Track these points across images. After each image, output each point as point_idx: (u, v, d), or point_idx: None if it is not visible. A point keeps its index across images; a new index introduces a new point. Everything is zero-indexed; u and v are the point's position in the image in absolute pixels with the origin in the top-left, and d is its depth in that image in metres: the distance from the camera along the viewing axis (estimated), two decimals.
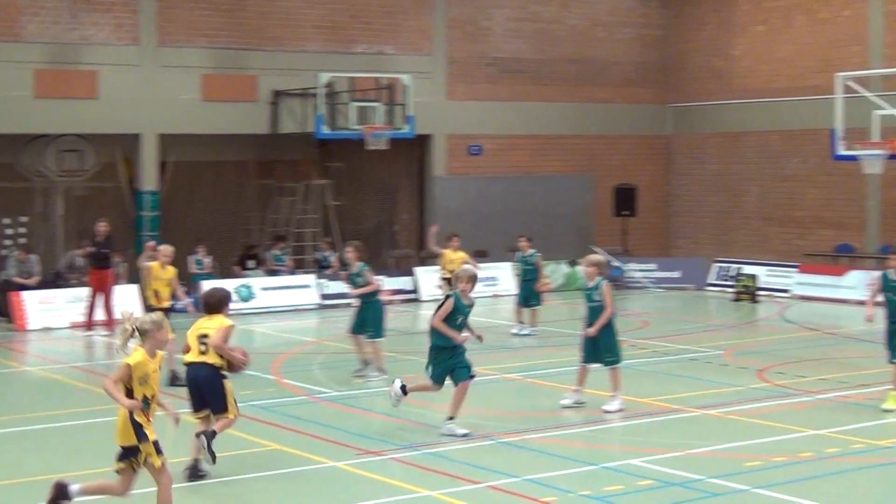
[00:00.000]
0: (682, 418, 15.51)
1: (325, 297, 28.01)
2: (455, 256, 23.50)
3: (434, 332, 14.62)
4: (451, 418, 14.47)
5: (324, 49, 30.07)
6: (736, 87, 33.48)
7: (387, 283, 28.52)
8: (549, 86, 33.20)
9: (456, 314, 14.50)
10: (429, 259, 30.95)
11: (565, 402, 16.15)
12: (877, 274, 27.19)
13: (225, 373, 12.53)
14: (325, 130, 27.97)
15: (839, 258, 30.19)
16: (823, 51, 31.30)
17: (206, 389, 12.50)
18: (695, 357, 20.32)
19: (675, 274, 31.15)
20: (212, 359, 12.45)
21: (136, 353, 10.36)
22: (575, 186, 33.34)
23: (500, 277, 29.82)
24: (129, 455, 10.38)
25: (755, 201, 33.12)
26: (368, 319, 18.16)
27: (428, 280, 29.30)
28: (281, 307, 27.37)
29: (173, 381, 17.92)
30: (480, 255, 30.71)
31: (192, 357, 12.57)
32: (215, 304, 12.82)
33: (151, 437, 10.32)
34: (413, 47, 31.37)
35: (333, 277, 28.55)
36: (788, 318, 25.75)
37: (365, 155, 29.91)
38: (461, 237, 24.30)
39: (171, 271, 18.69)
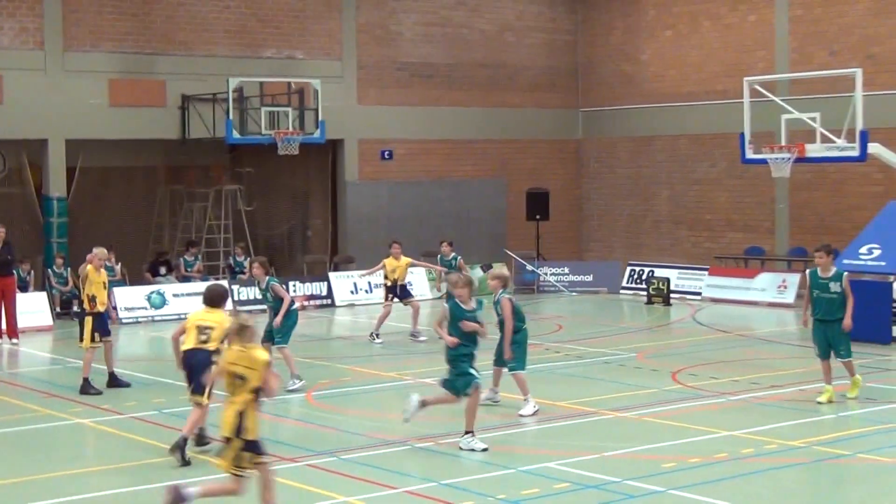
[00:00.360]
0: (597, 421, 15.56)
1: (238, 303, 27.75)
2: (398, 264, 23.34)
3: (447, 345, 14.07)
4: (468, 433, 13.97)
5: (233, 53, 29.83)
6: (645, 92, 33.76)
7: (300, 288, 28.39)
8: (460, 90, 33.25)
9: (455, 321, 13.95)
10: (342, 264, 30.84)
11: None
12: (795, 276, 27.68)
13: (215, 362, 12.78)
14: (236, 135, 27.71)
15: (749, 261, 30.54)
16: (731, 55, 31.67)
17: (199, 371, 13.33)
18: (609, 360, 20.42)
19: (588, 277, 31.31)
20: (212, 347, 13.60)
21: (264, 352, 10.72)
22: (487, 191, 33.42)
23: (413, 282, 29.72)
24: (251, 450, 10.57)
25: (666, 205, 33.42)
26: (277, 328, 17.92)
27: (341, 285, 29.17)
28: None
29: (113, 382, 17.75)
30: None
31: (190, 344, 13.74)
32: (216, 298, 14.13)
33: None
34: (323, 52, 31.23)
35: (247, 283, 28.32)
36: (700, 320, 25.98)
37: (276, 160, 29.69)
38: (402, 243, 24.03)
39: (104, 275, 18.37)
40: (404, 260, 23.42)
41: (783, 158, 23.68)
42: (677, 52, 32.98)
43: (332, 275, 29.54)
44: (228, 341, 10.96)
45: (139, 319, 26.27)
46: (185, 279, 28.80)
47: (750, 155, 24.42)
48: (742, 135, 24.39)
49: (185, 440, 13.43)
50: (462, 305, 14.06)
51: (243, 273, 29.52)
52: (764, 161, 24.11)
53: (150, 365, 20.82)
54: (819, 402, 16.38)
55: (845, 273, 16.84)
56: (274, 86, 29.01)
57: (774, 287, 28.01)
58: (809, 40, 30.12)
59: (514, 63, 34.10)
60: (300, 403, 16.98)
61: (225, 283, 20.36)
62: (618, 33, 34.42)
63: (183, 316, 26.63)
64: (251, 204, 32.24)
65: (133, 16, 28.77)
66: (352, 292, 29.20)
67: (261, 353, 10.65)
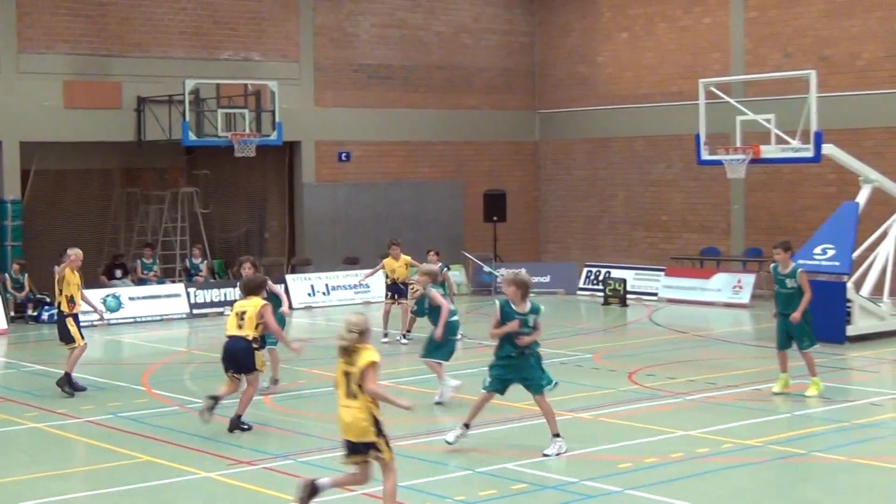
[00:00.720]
0: None
1: (194, 305, 27.65)
2: (397, 264, 23.32)
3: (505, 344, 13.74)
4: (555, 435, 13.74)
5: (189, 55, 29.72)
6: (601, 94, 33.89)
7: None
8: (417, 92, 33.26)
9: (506, 321, 13.53)
10: (299, 266, 30.78)
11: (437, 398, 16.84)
12: (750, 276, 27.87)
13: (256, 347, 15.23)
14: (192, 137, 27.61)
15: (705, 261, 30.71)
16: (686, 57, 31.85)
17: (241, 357, 15.13)
18: (565, 361, 20.46)
19: (545, 279, 31.37)
20: (246, 333, 15.14)
21: (374, 352, 10.75)
22: (445, 192, 33.45)
23: (372, 285, 29.71)
24: (364, 449, 10.81)
25: (622, 206, 33.56)
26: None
27: (299, 287, 29.11)
28: (150, 317, 26.95)
29: (67, 384, 17.60)
30: (351, 262, 30.68)
31: (231, 331, 15.29)
32: (255, 287, 15.65)
33: (386, 432, 10.77)
34: (280, 54, 31.17)
35: (203, 286, 28.23)
36: (657, 320, 26.11)
37: (233, 162, 29.62)
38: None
39: (78, 276, 18.24)
40: (403, 259, 23.43)
41: (738, 160, 23.84)
42: (633, 54, 33.14)
43: (289, 277, 29.47)
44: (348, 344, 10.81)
45: (94, 323, 26.07)
46: (140, 282, 28.65)
47: (705, 156, 24.57)
48: (697, 136, 24.54)
49: (238, 417, 15.11)
50: (512, 305, 13.55)
51: (199, 275, 29.41)
52: (719, 162, 24.26)
53: (106, 369, 20.73)
54: (774, 393, 16.91)
55: (800, 269, 17.32)
56: (230, 88, 28.95)
57: (730, 287, 28.19)
58: (764, 42, 30.34)
59: (471, 65, 34.15)
60: (257, 406, 16.93)
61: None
62: (574, 35, 34.54)
63: (139, 319, 26.66)
64: (208, 206, 32.12)
65: (88, 17, 28.61)
66: (309, 294, 29.15)
67: (371, 355, 10.72)
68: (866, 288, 22.97)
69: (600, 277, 30.33)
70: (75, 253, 18.13)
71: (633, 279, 29.69)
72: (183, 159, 32.01)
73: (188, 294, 27.79)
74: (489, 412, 15.70)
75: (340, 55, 32.06)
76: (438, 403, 16.76)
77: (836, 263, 22.26)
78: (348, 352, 10.74)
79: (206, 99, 28.28)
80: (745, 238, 30.65)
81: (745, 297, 27.79)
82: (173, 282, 29.25)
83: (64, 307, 17.93)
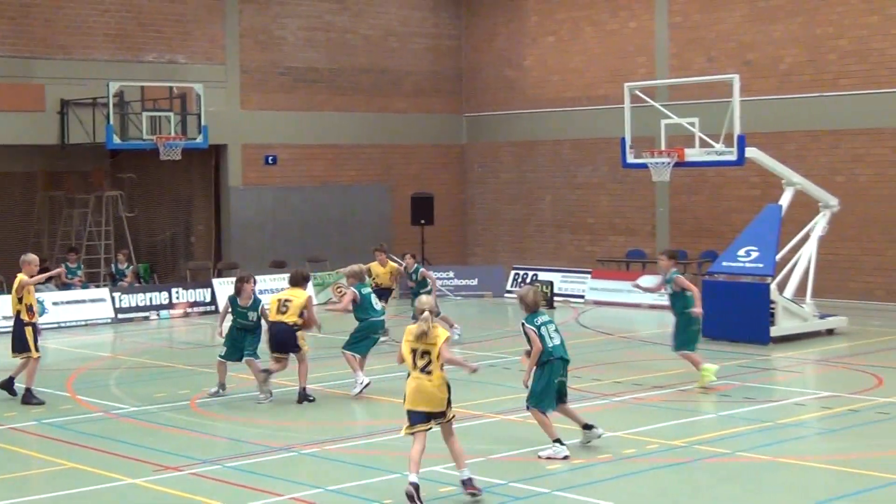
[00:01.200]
0: (482, 424, 15.65)
1: (119, 310, 27.39)
2: (383, 270, 23.24)
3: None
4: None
5: (113, 58, 29.46)
6: (528, 97, 34.04)
7: (183, 295, 28.15)
8: (344, 95, 33.21)
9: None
10: (226, 270, 30.59)
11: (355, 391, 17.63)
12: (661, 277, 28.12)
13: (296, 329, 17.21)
14: (116, 141, 27.33)
15: (631, 263, 30.94)
16: (612, 61, 32.08)
17: (285, 339, 17.16)
18: (493, 363, 20.52)
19: (473, 281, 31.45)
20: (289, 319, 17.13)
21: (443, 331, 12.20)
22: (372, 196, 33.43)
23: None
24: (434, 418, 12.11)
25: (549, 209, 33.73)
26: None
27: (225, 292, 28.86)
28: (74, 322, 26.65)
29: (33, 397, 17.28)
30: (278, 266, 30.55)
31: (273, 317, 17.23)
32: (300, 280, 17.80)
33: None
34: (205, 56, 30.98)
35: (128, 290, 27.99)
36: (584, 322, 26.25)
37: (158, 165, 29.39)
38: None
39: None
40: (390, 266, 23.44)
41: (663, 163, 24.02)
42: (560, 57, 33.32)
43: (215, 281, 29.28)
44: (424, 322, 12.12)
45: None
46: (64, 287, 28.32)
47: (630, 160, 24.74)
48: (623, 140, 24.71)
49: (304, 389, 17.28)
50: (534, 319, 13.74)
51: (124, 280, 29.15)
52: (644, 166, 24.44)
53: None
54: (700, 387, 17.59)
55: (676, 275, 18.25)
56: (155, 90, 28.72)
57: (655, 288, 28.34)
58: (688, 47, 30.65)
59: (398, 68, 34.17)
60: (183, 411, 16.83)
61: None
62: (501, 39, 34.66)
63: (64, 324, 26.34)
64: (133, 210, 31.85)
65: (10, 19, 28.27)
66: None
67: (443, 331, 12.19)
68: (789, 289, 23.27)
69: (527, 280, 30.44)
70: (32, 258, 17.65)
71: (560, 281, 29.83)
72: (107, 162, 31.74)
73: (113, 299, 27.52)
74: None
75: (267, 58, 31.93)
76: (356, 395, 17.57)
77: (760, 265, 22.52)
78: (424, 332, 12.03)
79: (130, 102, 28.02)
80: (671, 240, 30.91)
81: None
82: (98, 286, 28.96)
83: (24, 315, 17.45)
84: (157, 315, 27.69)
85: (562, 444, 13.65)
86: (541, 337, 13.67)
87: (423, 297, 12.42)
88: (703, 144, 23.63)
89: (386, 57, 33.98)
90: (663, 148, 24.17)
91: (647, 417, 15.87)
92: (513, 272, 31.52)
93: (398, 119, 34.13)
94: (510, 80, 34.50)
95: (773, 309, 22.22)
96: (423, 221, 32.67)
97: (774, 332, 22.20)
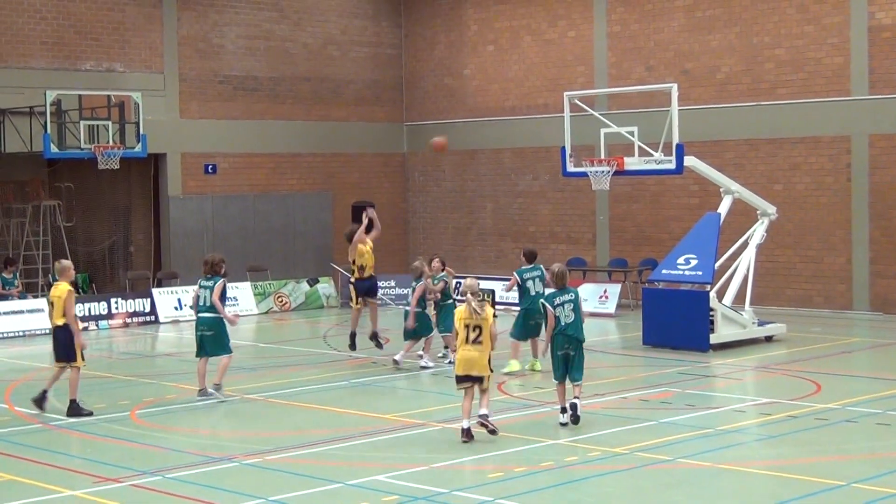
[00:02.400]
0: (424, 433, 15.62)
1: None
2: (365, 251, 21.49)
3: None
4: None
5: (50, 66, 29.20)
6: (469, 106, 34.12)
7: (122, 305, 27.92)
8: (284, 104, 33.12)
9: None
10: (165, 280, 30.39)
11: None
12: (616, 286, 28.24)
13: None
14: (54, 150, 27.05)
15: (572, 272, 30.99)
16: (551, 70, 32.22)
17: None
18: (435, 372, 20.52)
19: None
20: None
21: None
22: (313, 204, 33.36)
23: (240, 297, 29.52)
24: (475, 381, 15.01)
25: (490, 217, 33.81)
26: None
27: (165, 301, 28.71)
28: (11, 332, 26.33)
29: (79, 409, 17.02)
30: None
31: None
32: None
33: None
34: (144, 64, 30.77)
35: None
36: None
37: (97, 174, 29.15)
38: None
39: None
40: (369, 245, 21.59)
41: (602, 172, 24.12)
42: (499, 66, 33.42)
43: (155, 291, 29.07)
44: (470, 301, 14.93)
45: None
46: (2, 298, 27.97)
47: (571, 168, 24.82)
48: (563, 148, 24.78)
49: (375, 333, 20.72)
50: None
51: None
52: (584, 174, 24.53)
53: None
54: (504, 373, 19.71)
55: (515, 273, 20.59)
56: (93, 99, 28.44)
57: (596, 297, 28.53)
58: (627, 56, 30.84)
59: (339, 77, 34.12)
60: (123, 422, 16.69)
61: None
62: (441, 48, 34.72)
63: (1, 335, 26.02)
64: (71, 219, 31.58)
65: None
66: (175, 308, 28.77)
67: (491, 309, 14.95)
68: (728, 297, 23.44)
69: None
70: (70, 266, 17.54)
71: (502, 290, 29.84)
72: (45, 172, 31.42)
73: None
74: (360, 425, 15.73)
75: (206, 66, 31.79)
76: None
77: (699, 273, 22.67)
78: (476, 311, 14.80)
79: (68, 110, 27.75)
80: (611, 249, 31.09)
81: (610, 307, 28.17)
82: (35, 296, 28.65)
83: (73, 324, 17.15)
84: (97, 325, 27.44)
85: (564, 412, 15.69)
86: (556, 316, 15.76)
87: (468, 280, 15.22)
88: (643, 153, 23.75)
89: (326, 66, 33.93)
90: (603, 157, 24.26)
91: (588, 425, 15.91)
92: (455, 281, 31.45)
93: (339, 128, 34.08)
94: (450, 88, 34.57)
95: (712, 316, 22.37)
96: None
97: (714, 339, 22.35)
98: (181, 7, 31.33)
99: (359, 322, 21.93)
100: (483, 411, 14.92)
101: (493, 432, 14.80)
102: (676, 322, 22.49)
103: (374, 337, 21.63)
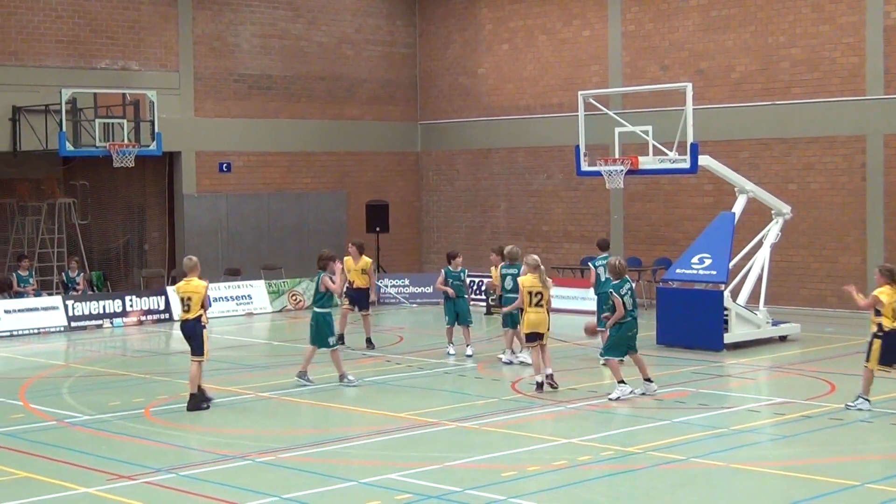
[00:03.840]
0: (438, 431, 15.64)
1: (72, 318, 27.19)
2: (353, 267, 22.93)
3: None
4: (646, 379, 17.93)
5: (66, 64, 29.26)
6: (483, 105, 34.10)
7: (137, 303, 27.99)
8: (299, 103, 33.15)
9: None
10: (180, 278, 30.40)
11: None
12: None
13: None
14: (69, 148, 27.14)
15: (586, 271, 30.96)
16: (566, 69, 32.20)
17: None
18: (449, 371, 20.55)
19: (429, 289, 31.37)
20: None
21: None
22: (327, 203, 33.38)
23: (254, 295, 29.57)
24: (539, 338, 18.18)
25: (504, 216, 33.80)
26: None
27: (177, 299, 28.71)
28: (26, 330, 26.41)
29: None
30: (233, 274, 30.46)
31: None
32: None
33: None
34: (159, 63, 30.83)
35: (82, 298, 27.79)
36: None
37: (112, 172, 29.21)
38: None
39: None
40: (363, 261, 23.26)
41: (617, 171, 24.09)
42: (514, 65, 33.41)
43: (169, 289, 29.12)
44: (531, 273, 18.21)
45: None
46: (16, 295, 28.07)
47: (585, 167, 24.80)
48: (577, 147, 24.77)
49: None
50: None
51: (76, 288, 28.95)
52: (598, 173, 24.51)
53: None
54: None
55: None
56: (108, 97, 28.52)
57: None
58: (641, 55, 30.80)
59: (353, 75, 34.14)
60: (137, 420, 16.73)
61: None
62: (456, 47, 34.72)
63: (16, 333, 26.09)
64: (86, 217, 31.64)
65: None
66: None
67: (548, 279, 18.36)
68: (743, 296, 23.41)
69: (483, 287, 30.46)
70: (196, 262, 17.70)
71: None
72: (60, 170, 31.49)
73: (66, 307, 27.32)
74: (373, 423, 15.74)
75: (221, 65, 31.83)
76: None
77: (714, 272, 22.65)
78: (540, 278, 18.08)
79: (83, 108, 27.85)
80: (625, 248, 31.05)
81: None
82: (50, 294, 28.74)
83: (204, 318, 17.32)
84: (111, 323, 27.52)
85: (625, 383, 17.39)
86: (623, 303, 17.61)
87: (532, 256, 18.49)
88: (657, 152, 23.73)
89: (341, 64, 33.96)
90: (617, 156, 24.24)
91: (602, 424, 15.92)
92: (468, 280, 31.47)
93: (353, 126, 34.10)
94: (465, 87, 34.56)
95: (726, 316, 22.35)
96: (378, 229, 32.65)
97: (728, 338, 22.33)
98: (196, 6, 31.38)
99: (345, 324, 23.09)
100: (549, 371, 18.17)
101: (555, 387, 18.08)
102: (690, 321, 22.47)
103: (368, 342, 23.21)
